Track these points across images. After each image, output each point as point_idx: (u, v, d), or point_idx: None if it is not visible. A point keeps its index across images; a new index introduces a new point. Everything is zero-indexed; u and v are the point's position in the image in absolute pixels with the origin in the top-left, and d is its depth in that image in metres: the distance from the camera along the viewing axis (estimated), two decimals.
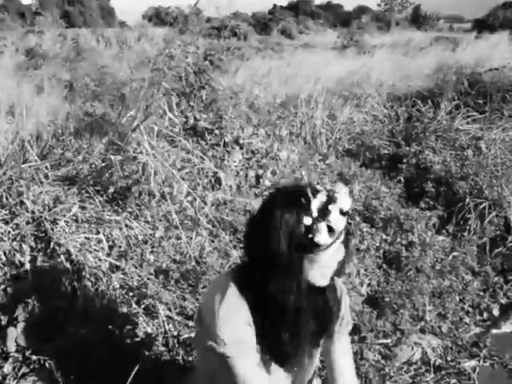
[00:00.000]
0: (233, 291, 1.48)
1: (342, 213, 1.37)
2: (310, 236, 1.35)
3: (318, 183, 1.48)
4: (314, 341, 1.67)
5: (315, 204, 1.35)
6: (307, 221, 1.35)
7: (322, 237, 1.35)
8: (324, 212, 1.34)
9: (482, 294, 3.79)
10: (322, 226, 1.34)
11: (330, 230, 1.35)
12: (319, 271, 1.44)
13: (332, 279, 1.59)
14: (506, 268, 4.17)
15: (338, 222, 1.36)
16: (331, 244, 1.38)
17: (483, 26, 34.71)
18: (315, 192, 1.37)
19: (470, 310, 3.65)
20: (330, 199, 1.35)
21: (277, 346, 1.53)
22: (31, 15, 38.42)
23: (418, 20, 46.55)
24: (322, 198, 1.36)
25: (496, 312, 3.69)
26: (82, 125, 3.88)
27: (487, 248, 4.33)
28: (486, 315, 3.65)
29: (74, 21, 38.21)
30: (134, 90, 3.41)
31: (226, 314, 1.44)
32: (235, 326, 1.45)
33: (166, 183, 3.08)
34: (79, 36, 26.87)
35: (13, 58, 20.43)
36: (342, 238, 1.41)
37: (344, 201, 1.36)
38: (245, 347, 1.47)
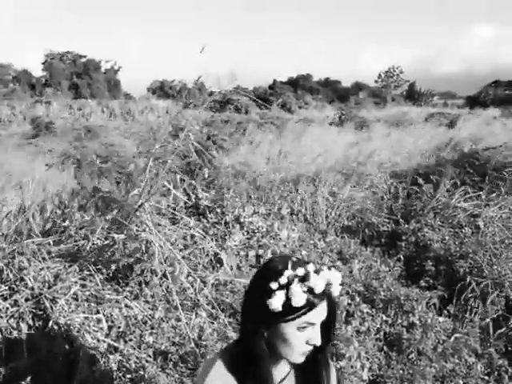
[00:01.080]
0: (218, 368, 1.53)
1: (311, 291, 1.44)
2: (273, 304, 1.43)
3: (307, 262, 1.54)
4: None
5: (287, 273, 1.45)
6: (274, 286, 1.44)
7: (275, 303, 1.43)
8: (289, 284, 1.44)
9: (486, 377, 3.70)
10: (280, 294, 1.43)
11: (288, 301, 1.43)
12: (289, 347, 1.49)
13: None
14: (510, 350, 4.09)
15: (299, 296, 1.43)
16: (293, 318, 1.45)
17: (475, 102, 35.99)
18: (295, 264, 1.48)
19: None
20: (304, 277, 1.45)
21: None
22: (41, 86, 39.92)
23: (413, 96, 48.24)
24: (299, 271, 1.45)
25: None
26: (86, 200, 3.94)
27: (490, 329, 4.26)
28: None
29: (82, 92, 39.58)
30: (139, 169, 3.50)
31: None
32: None
33: (167, 262, 3.10)
34: (85, 106, 27.85)
35: (20, 126, 21.06)
36: (308, 316, 1.46)
37: (318, 282, 1.45)
38: None
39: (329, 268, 1.53)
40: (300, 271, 1.46)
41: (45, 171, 6.09)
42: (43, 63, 42.75)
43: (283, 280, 1.45)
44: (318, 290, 1.45)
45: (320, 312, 1.49)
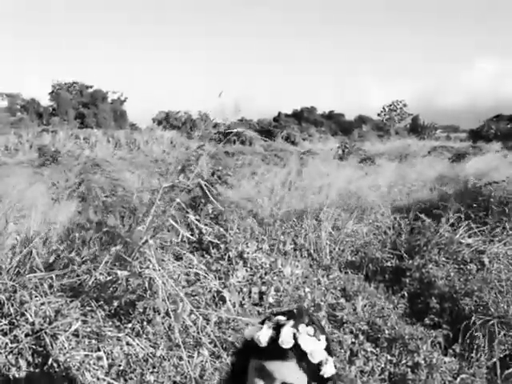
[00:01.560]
0: None
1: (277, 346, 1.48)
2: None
3: (300, 312, 1.57)
4: None
5: (280, 317, 1.56)
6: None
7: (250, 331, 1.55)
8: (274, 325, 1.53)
9: None
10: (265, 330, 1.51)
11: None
12: None
13: None
14: None
15: (264, 335, 1.51)
16: (257, 356, 1.51)
17: (478, 136, 36.21)
18: (293, 313, 1.56)
19: None
20: (280, 325, 1.52)
21: None
22: (48, 116, 40.46)
23: (416, 129, 48.53)
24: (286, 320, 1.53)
25: None
26: (91, 235, 3.94)
27: (497, 369, 4.18)
28: None
29: (88, 122, 40.05)
30: (143, 204, 3.51)
31: None
32: None
33: (170, 300, 3.08)
34: (91, 136, 28.15)
35: (26, 155, 21.26)
36: (271, 364, 1.49)
37: (286, 338, 1.49)
38: None
39: (317, 336, 1.54)
40: (284, 320, 1.54)
41: (49, 202, 6.10)
42: (50, 93, 43.44)
43: (273, 318, 1.56)
44: (284, 345, 1.49)
45: (285, 370, 1.49)
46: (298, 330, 1.50)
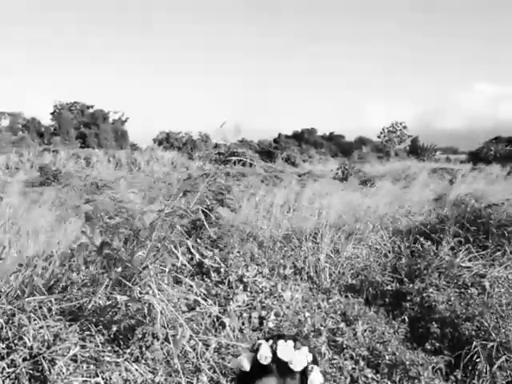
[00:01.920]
0: None
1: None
2: None
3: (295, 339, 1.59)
4: None
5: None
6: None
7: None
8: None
9: None
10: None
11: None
12: None
13: None
14: None
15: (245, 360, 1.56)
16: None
17: (477, 158, 36.35)
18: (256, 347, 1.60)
19: None
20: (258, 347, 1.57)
21: None
22: (49, 135, 40.64)
23: (416, 151, 48.74)
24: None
25: None
26: (93, 257, 3.92)
27: None
28: None
29: (89, 141, 40.22)
30: (146, 227, 3.51)
31: None
32: None
33: (169, 325, 3.06)
34: (92, 156, 28.25)
35: (27, 174, 21.30)
36: None
37: (264, 353, 1.54)
38: None
39: (297, 346, 1.57)
40: (263, 341, 1.61)
41: (51, 222, 6.09)
42: (52, 113, 43.71)
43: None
44: (263, 360, 1.54)
45: None
46: (276, 344, 1.54)
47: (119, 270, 3.42)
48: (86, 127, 43.03)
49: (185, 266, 3.77)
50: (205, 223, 3.57)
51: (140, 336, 3.04)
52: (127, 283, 3.14)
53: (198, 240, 4.19)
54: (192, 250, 3.65)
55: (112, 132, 43.99)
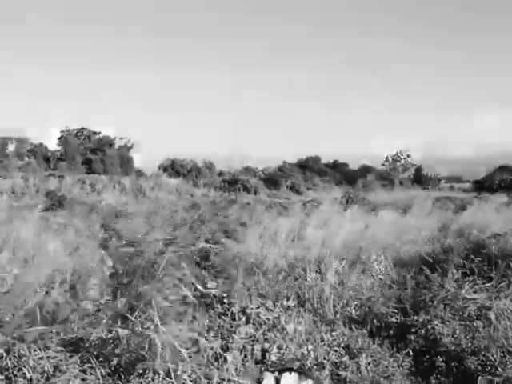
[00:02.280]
0: None
1: None
2: None
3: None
4: None
5: None
6: None
7: None
8: None
9: None
10: None
11: None
12: None
13: None
14: None
15: None
16: None
17: (482, 187, 36.34)
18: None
19: None
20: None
21: None
22: (55, 160, 40.95)
23: (420, 180, 48.80)
24: None
25: None
26: (103, 286, 3.92)
27: None
28: None
29: (95, 167, 40.49)
30: (154, 261, 3.52)
31: None
32: None
33: (170, 359, 3.03)
34: (97, 182, 28.41)
35: (33, 199, 21.36)
36: None
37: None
38: None
39: (302, 378, 1.58)
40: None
41: (57, 249, 6.08)
42: (59, 138, 44.12)
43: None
44: None
45: None
46: (280, 376, 1.54)
47: (124, 301, 3.42)
48: (92, 153, 43.39)
49: (188, 297, 3.76)
50: (210, 255, 3.57)
51: (140, 371, 3.01)
52: (129, 317, 3.13)
53: (203, 271, 4.19)
54: (195, 283, 3.64)
55: (118, 158, 44.29)
